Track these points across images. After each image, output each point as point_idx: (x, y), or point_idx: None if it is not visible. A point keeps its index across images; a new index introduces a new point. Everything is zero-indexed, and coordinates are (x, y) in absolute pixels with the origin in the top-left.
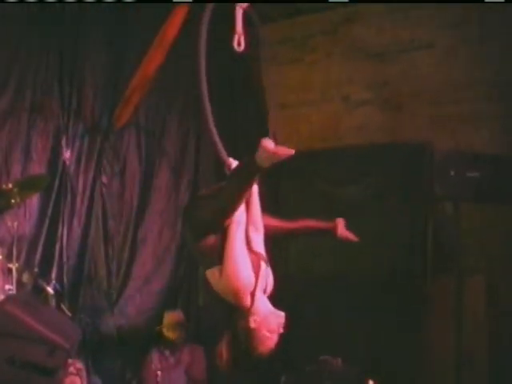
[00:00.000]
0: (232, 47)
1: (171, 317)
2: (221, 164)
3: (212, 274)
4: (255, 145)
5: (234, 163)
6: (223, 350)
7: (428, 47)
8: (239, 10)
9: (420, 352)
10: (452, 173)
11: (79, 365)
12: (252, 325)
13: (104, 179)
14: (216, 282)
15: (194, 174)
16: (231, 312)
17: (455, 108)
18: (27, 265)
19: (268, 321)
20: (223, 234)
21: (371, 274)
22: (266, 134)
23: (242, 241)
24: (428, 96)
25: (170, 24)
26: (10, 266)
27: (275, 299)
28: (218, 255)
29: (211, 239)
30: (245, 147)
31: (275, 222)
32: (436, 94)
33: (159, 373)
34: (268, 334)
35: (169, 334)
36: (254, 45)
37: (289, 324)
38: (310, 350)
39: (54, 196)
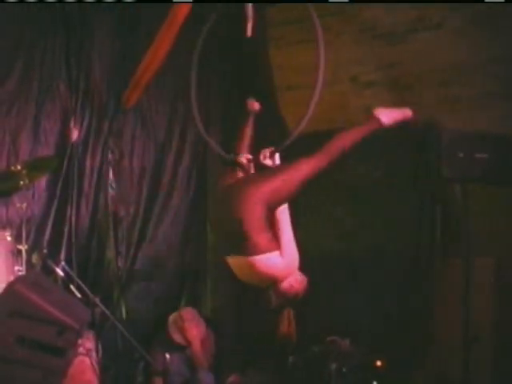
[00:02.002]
0: (241, 28)
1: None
2: (230, 143)
3: (267, 259)
4: (263, 124)
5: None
6: (288, 326)
7: (437, 27)
8: None
9: (428, 332)
10: (460, 154)
11: (89, 345)
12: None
13: (112, 161)
14: (275, 266)
15: (202, 155)
16: (264, 293)
17: (464, 88)
18: (36, 246)
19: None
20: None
21: (379, 255)
22: (274, 115)
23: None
24: (437, 76)
25: (180, 7)
26: (19, 247)
27: None
28: (276, 241)
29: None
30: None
31: None
32: (445, 74)
33: (167, 355)
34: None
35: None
36: (261, 26)
37: (297, 304)
38: (317, 331)
39: (62, 177)
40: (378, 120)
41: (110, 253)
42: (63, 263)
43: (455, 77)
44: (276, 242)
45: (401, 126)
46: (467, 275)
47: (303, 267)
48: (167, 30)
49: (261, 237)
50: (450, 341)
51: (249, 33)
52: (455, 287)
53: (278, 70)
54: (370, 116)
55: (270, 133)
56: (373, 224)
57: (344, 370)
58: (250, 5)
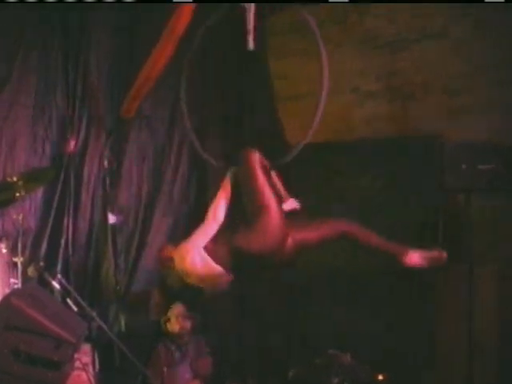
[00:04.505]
0: (241, 37)
1: (174, 309)
2: (229, 153)
3: None
4: (262, 134)
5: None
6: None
7: (440, 36)
8: (250, 7)
9: (431, 343)
10: (463, 165)
11: (86, 359)
12: None
13: (110, 171)
14: None
15: (202, 163)
16: None
17: (467, 98)
18: (32, 258)
19: None
20: None
21: (381, 265)
22: (275, 125)
23: None
24: (440, 86)
25: (180, 17)
26: (15, 259)
27: (285, 292)
28: None
29: None
30: (253, 138)
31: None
32: (448, 83)
33: (165, 369)
34: None
35: (172, 326)
36: (261, 34)
37: (298, 317)
38: (318, 344)
39: (59, 188)
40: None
41: (108, 265)
42: (59, 276)
43: (457, 87)
44: None
45: (404, 136)
46: (470, 285)
47: (306, 279)
48: (167, 40)
49: None
50: (454, 352)
51: (250, 46)
52: (458, 298)
53: (278, 79)
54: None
55: (269, 143)
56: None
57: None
58: (251, 17)
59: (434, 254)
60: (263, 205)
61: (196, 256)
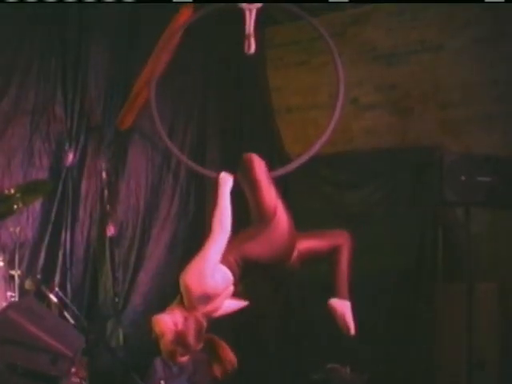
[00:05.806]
0: (240, 49)
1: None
2: (228, 165)
3: None
4: (261, 146)
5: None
6: None
7: (438, 48)
8: (248, 11)
9: (431, 358)
10: (462, 177)
11: (83, 374)
12: None
13: (108, 183)
14: None
15: (200, 176)
16: None
17: (466, 110)
18: (30, 271)
19: None
20: None
21: (380, 279)
22: (271, 136)
23: None
24: (438, 98)
25: (175, 26)
26: (12, 272)
27: (282, 305)
28: None
29: None
30: (251, 148)
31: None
32: (446, 96)
33: (162, 382)
34: None
35: None
36: (260, 46)
37: (297, 331)
38: (317, 358)
39: (56, 201)
40: None
41: (106, 278)
42: (57, 289)
43: (456, 98)
44: None
45: (402, 148)
46: (470, 300)
47: (304, 292)
48: (161, 51)
49: None
50: (454, 368)
51: (251, 49)
52: (458, 313)
53: (276, 91)
54: None
55: (268, 155)
56: (373, 249)
57: None
58: (252, 22)
59: None
60: (271, 210)
61: (219, 276)
